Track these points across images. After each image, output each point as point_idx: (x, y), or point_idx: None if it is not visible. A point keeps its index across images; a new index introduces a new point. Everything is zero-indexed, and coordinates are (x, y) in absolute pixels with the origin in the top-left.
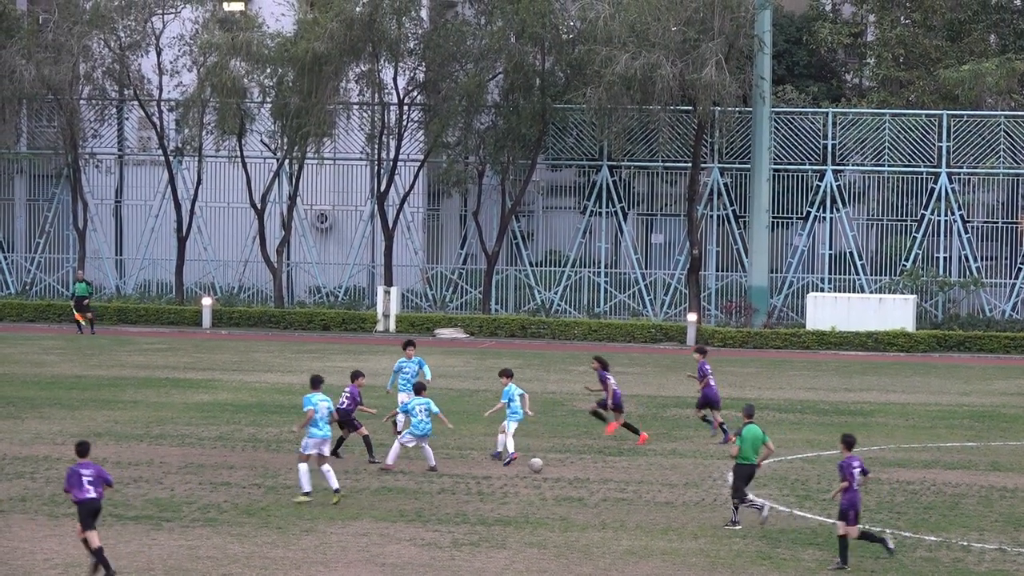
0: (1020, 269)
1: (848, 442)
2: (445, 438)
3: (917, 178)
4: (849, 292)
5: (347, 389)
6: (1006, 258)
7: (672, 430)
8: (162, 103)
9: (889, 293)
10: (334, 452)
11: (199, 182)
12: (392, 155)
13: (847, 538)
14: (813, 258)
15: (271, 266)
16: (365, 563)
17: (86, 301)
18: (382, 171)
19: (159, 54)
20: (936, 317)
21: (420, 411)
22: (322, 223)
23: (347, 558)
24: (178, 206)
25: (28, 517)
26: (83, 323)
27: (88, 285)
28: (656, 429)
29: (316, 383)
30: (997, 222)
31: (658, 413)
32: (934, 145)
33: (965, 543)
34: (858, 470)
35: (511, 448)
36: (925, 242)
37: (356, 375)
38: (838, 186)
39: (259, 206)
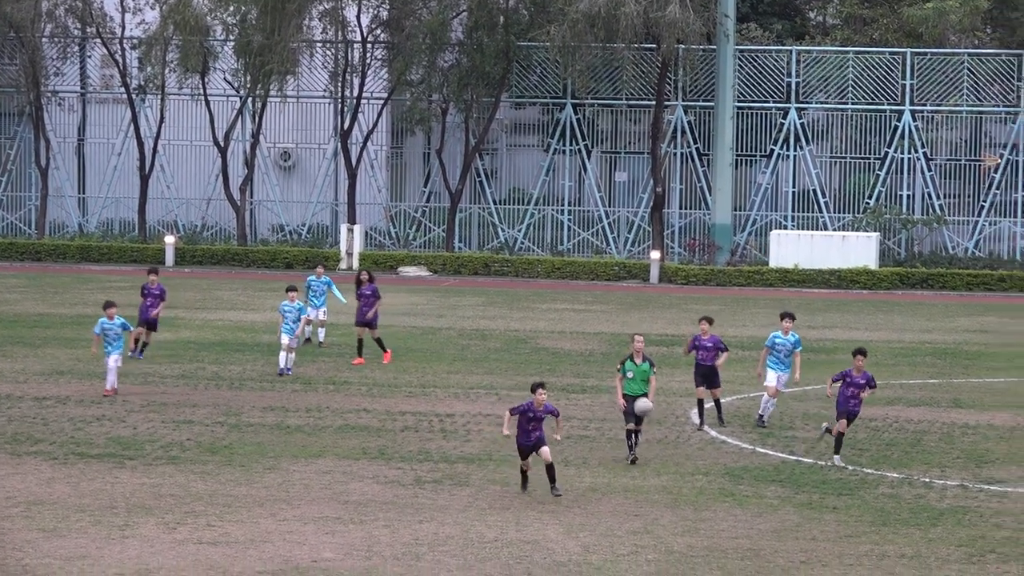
0: (983, 207)
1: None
2: (408, 376)
3: (880, 116)
4: (812, 230)
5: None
6: (969, 196)
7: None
8: (125, 41)
9: (852, 231)
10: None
11: (162, 120)
12: (355, 93)
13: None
14: (776, 196)
15: (234, 204)
16: (328, 501)
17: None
18: (345, 109)
19: None
20: (899, 255)
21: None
22: (285, 161)
23: (310, 496)
24: (141, 144)
25: None
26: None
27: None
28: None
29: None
30: (960, 160)
31: (621, 351)
32: (897, 83)
33: (927, 479)
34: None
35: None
36: (888, 180)
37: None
38: (802, 124)
39: (222, 144)
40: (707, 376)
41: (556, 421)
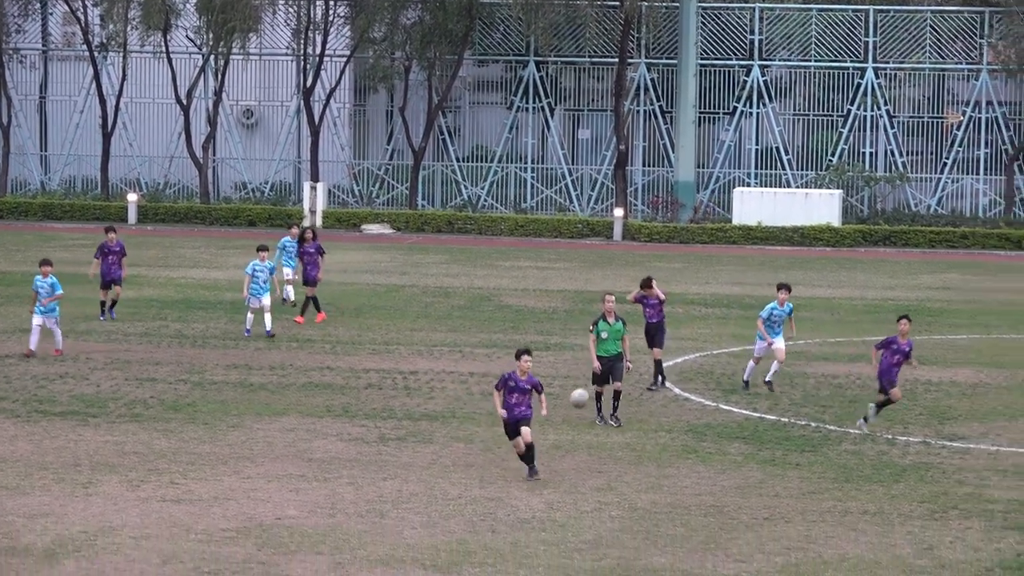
0: (945, 164)
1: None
2: (372, 333)
3: (843, 73)
4: (775, 187)
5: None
6: (931, 153)
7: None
8: None
9: (815, 188)
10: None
11: (124, 78)
12: (318, 51)
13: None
14: (739, 153)
15: (197, 162)
16: (292, 458)
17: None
18: (308, 67)
19: None
20: (862, 212)
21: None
22: (248, 119)
23: (274, 453)
24: (103, 102)
25: None
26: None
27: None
28: (583, 323)
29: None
30: (923, 117)
31: (585, 308)
32: (860, 40)
33: (890, 436)
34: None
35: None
36: (851, 137)
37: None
38: (764, 81)
39: (184, 102)
40: (652, 334)
41: (540, 397)
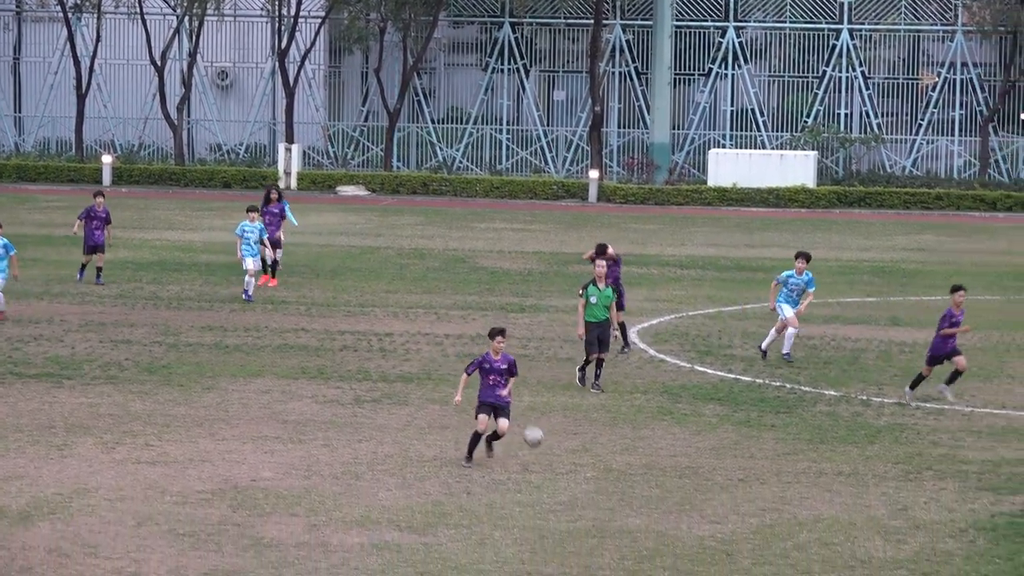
0: (920, 125)
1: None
2: (347, 295)
3: (818, 34)
4: (750, 149)
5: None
6: (906, 114)
7: (574, 286)
8: None
9: (790, 149)
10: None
11: (98, 39)
12: (293, 11)
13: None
14: (714, 115)
15: (171, 124)
16: (267, 420)
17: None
18: (283, 28)
19: None
20: (837, 173)
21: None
22: (222, 80)
23: (249, 415)
24: (77, 63)
25: None
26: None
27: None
28: (558, 285)
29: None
30: (898, 78)
31: (560, 270)
32: (835, 1)
33: (864, 397)
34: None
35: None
36: (826, 98)
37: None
38: (740, 43)
39: (159, 63)
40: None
41: (510, 382)
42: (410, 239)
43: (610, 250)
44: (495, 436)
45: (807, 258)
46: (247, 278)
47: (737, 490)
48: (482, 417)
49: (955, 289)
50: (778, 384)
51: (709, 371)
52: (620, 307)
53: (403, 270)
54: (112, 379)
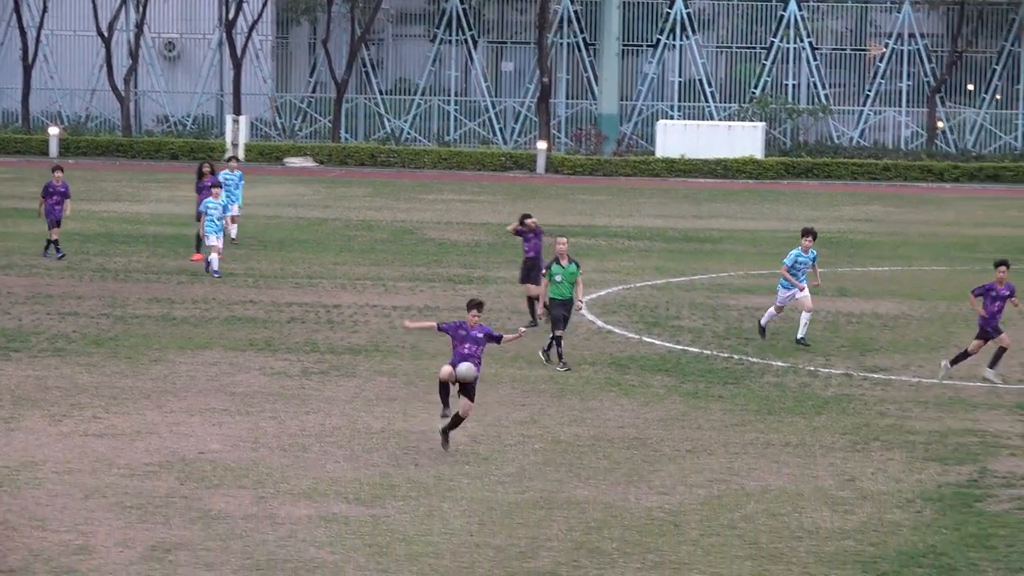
0: (868, 96)
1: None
2: (294, 267)
3: (766, 5)
4: (698, 120)
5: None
6: (854, 85)
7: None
8: None
9: (738, 120)
10: None
11: (44, 10)
12: None
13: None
14: (662, 86)
15: (119, 95)
16: (215, 392)
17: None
18: None
19: None
20: (784, 144)
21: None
22: (170, 52)
23: (197, 387)
24: (23, 34)
25: None
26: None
27: None
28: (506, 256)
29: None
30: (845, 49)
31: (508, 240)
32: None
33: (812, 368)
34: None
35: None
36: (774, 69)
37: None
38: (688, 13)
39: (106, 35)
40: (529, 270)
41: (505, 337)
42: (358, 211)
43: (531, 220)
44: (455, 422)
45: (813, 235)
46: (213, 255)
47: (685, 461)
48: (446, 368)
49: (998, 264)
50: (726, 355)
51: (657, 342)
52: (536, 281)
53: (351, 242)
54: (59, 351)
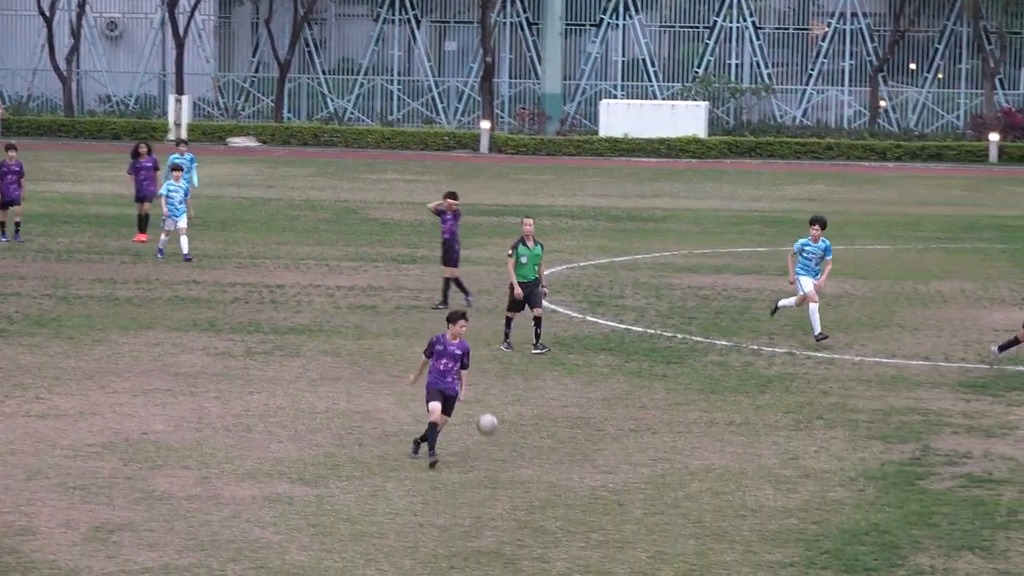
0: (811, 75)
1: None
2: (238, 247)
3: None
4: (642, 99)
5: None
6: (797, 64)
7: (465, 238)
8: None
9: (681, 100)
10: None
11: None
12: None
13: None
14: (606, 65)
15: (60, 75)
16: (158, 372)
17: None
18: None
19: None
20: (728, 123)
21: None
22: (112, 31)
23: (140, 368)
24: None
25: None
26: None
27: None
28: None
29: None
30: (788, 28)
31: None
32: None
33: (755, 347)
34: None
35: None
36: (717, 49)
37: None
38: None
39: (47, 14)
40: (449, 250)
41: (462, 374)
42: (301, 190)
43: (451, 200)
44: (431, 435)
45: (823, 224)
46: (163, 236)
47: (628, 440)
48: (434, 405)
49: None
50: (669, 334)
51: (601, 321)
52: (455, 263)
53: (294, 222)
54: (1, 332)
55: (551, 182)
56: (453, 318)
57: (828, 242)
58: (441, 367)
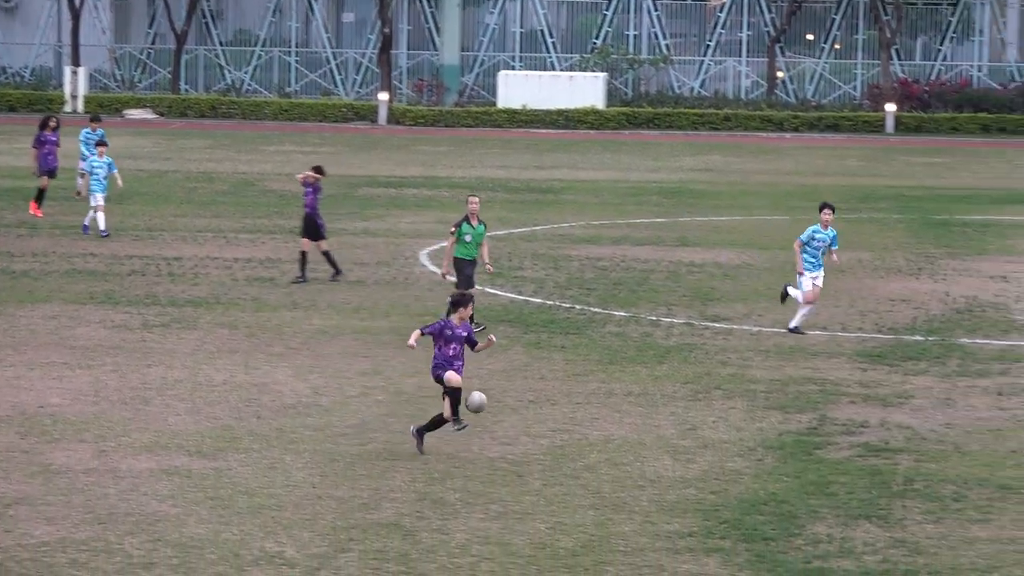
0: (708, 46)
1: None
2: (135, 219)
3: None
4: (540, 70)
5: None
6: (695, 35)
7: (364, 209)
8: None
9: (579, 71)
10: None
11: None
12: None
13: None
14: (504, 36)
15: None
16: (55, 346)
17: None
18: None
19: None
20: (626, 95)
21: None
22: (7, 3)
23: (36, 341)
24: None
25: None
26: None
27: None
28: (348, 208)
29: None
30: (686, 0)
31: (350, 192)
32: None
33: (654, 318)
34: None
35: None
36: (615, 20)
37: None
38: None
39: None
40: (312, 224)
41: (474, 347)
42: (198, 163)
43: (312, 174)
44: (436, 424)
45: (832, 209)
46: (91, 212)
47: (528, 411)
48: (449, 374)
49: None
50: (568, 305)
51: (499, 293)
52: (322, 236)
53: (191, 194)
54: None
55: (449, 154)
56: (463, 302)
57: (835, 232)
58: (450, 352)
